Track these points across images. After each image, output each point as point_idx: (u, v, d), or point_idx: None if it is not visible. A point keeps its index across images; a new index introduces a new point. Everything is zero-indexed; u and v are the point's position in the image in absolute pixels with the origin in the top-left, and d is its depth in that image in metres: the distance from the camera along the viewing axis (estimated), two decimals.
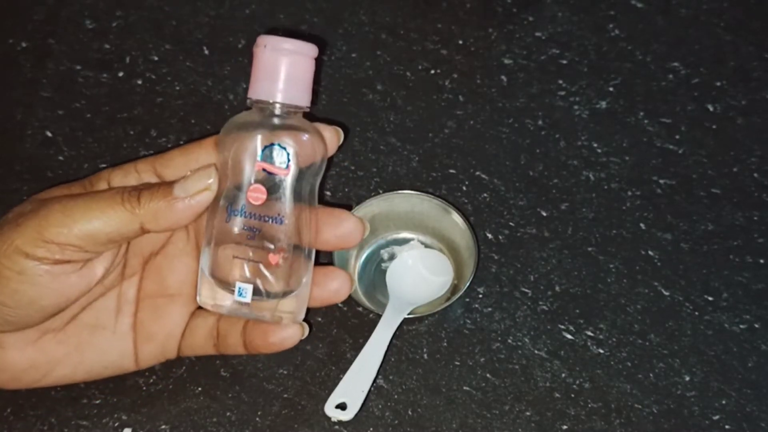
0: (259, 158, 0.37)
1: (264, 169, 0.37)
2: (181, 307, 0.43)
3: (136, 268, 0.43)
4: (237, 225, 0.38)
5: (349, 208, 0.52)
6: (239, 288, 0.38)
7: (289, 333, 0.41)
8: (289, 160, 0.37)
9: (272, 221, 0.38)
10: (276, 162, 0.37)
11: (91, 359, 0.42)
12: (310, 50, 0.38)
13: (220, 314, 0.42)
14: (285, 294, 0.39)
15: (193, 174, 0.38)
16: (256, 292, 0.38)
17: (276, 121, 0.38)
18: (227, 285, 0.38)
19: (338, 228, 0.41)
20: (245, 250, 0.38)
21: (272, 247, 0.38)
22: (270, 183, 0.38)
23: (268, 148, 0.37)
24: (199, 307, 0.43)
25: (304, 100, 0.38)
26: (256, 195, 0.37)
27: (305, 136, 0.38)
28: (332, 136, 0.40)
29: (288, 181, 0.38)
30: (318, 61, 0.39)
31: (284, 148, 0.37)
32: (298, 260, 0.39)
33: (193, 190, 0.37)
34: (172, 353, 0.44)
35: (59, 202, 0.37)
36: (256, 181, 0.38)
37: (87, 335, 0.42)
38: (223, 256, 0.38)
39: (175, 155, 0.41)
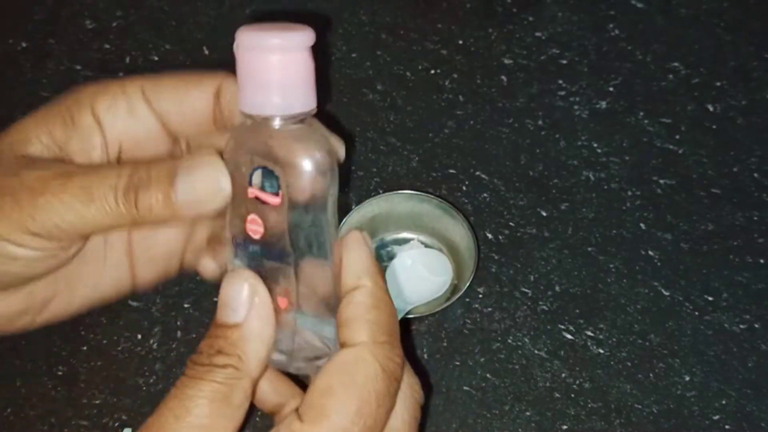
0: (248, 183, 0.30)
1: (257, 197, 0.30)
2: (173, 230, 0.39)
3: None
4: (243, 260, 0.31)
5: (349, 208, 0.52)
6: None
7: None
8: (279, 187, 0.29)
9: (274, 260, 0.30)
10: (266, 188, 0.29)
11: (83, 293, 0.38)
12: (302, 40, 0.29)
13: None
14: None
15: (202, 169, 0.32)
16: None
17: (271, 137, 0.29)
18: None
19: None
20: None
21: (277, 289, 0.31)
22: (266, 213, 0.30)
23: (255, 170, 0.30)
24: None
25: (306, 104, 0.30)
26: (254, 227, 0.30)
27: (303, 158, 0.29)
28: (340, 146, 0.33)
29: (283, 212, 0.29)
30: (317, 46, 0.30)
31: (272, 173, 0.29)
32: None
33: (199, 195, 0.32)
34: (173, 271, 0.39)
35: (44, 188, 0.33)
36: (252, 211, 0.30)
37: (75, 271, 0.38)
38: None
39: (167, 84, 0.35)
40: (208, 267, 0.38)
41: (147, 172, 0.32)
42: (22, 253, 0.33)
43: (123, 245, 0.38)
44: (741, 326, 0.49)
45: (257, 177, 0.30)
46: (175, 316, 0.48)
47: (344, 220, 0.49)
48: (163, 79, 0.35)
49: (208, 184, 0.31)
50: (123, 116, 0.35)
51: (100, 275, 0.39)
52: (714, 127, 0.58)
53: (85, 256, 0.38)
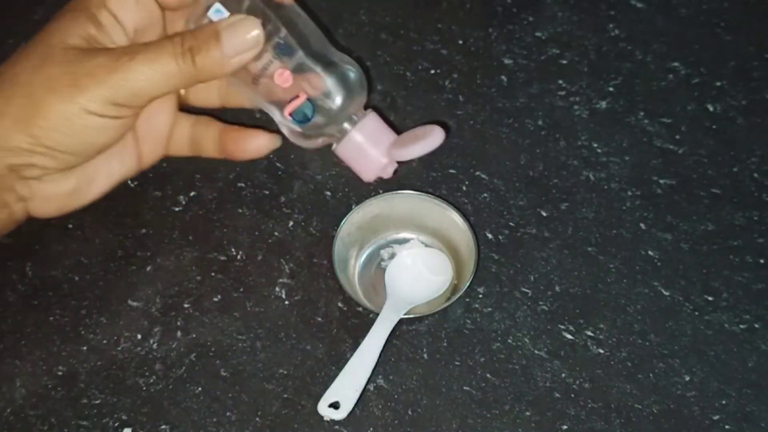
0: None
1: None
2: (165, 113, 0.49)
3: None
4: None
5: (349, 208, 0.52)
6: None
7: (261, 142, 0.48)
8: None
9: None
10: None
11: (115, 171, 0.48)
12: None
13: (193, 121, 0.50)
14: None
15: (240, 24, 0.41)
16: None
17: None
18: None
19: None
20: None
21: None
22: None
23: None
24: (180, 110, 0.50)
25: None
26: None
27: None
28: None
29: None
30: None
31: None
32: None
33: (242, 47, 0.41)
34: (162, 152, 0.50)
35: (116, 67, 0.40)
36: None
37: (110, 151, 0.46)
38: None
39: None
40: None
41: (195, 38, 0.41)
42: (101, 122, 0.41)
43: (131, 134, 0.47)
44: (741, 326, 0.49)
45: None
46: (175, 316, 0.49)
47: (344, 219, 0.49)
48: None
49: (247, 36, 0.41)
50: (132, 8, 0.43)
51: (123, 149, 0.47)
52: (714, 127, 0.58)
53: (111, 150, 0.46)
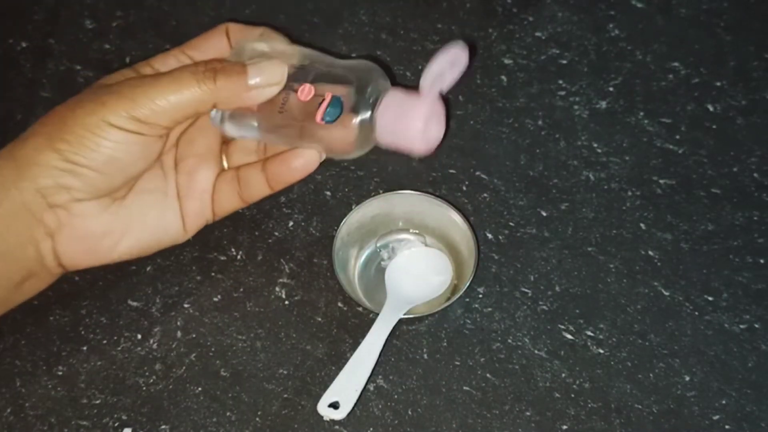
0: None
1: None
2: (208, 169, 0.48)
3: (173, 140, 0.48)
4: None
5: (349, 208, 0.52)
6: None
7: (309, 156, 0.46)
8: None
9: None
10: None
11: (151, 225, 0.47)
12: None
13: (239, 166, 0.48)
14: None
15: (267, 63, 0.43)
16: None
17: None
18: None
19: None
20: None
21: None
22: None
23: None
24: (223, 170, 0.49)
25: None
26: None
27: None
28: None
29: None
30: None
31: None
32: None
33: (266, 82, 0.43)
34: (209, 214, 0.49)
35: (140, 83, 0.42)
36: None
37: (146, 199, 0.46)
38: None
39: (199, 42, 0.47)
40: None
41: (222, 64, 0.43)
42: (123, 137, 0.42)
43: (174, 183, 0.47)
44: (741, 326, 0.49)
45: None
46: (175, 316, 0.49)
47: (344, 220, 0.49)
48: (195, 41, 0.47)
49: (272, 73, 0.43)
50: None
51: (163, 206, 0.47)
52: (714, 127, 0.58)
53: (151, 186, 0.47)
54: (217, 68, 0.42)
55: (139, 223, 0.46)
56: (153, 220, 0.47)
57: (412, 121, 0.43)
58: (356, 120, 0.43)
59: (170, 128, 0.43)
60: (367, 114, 0.44)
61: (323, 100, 0.43)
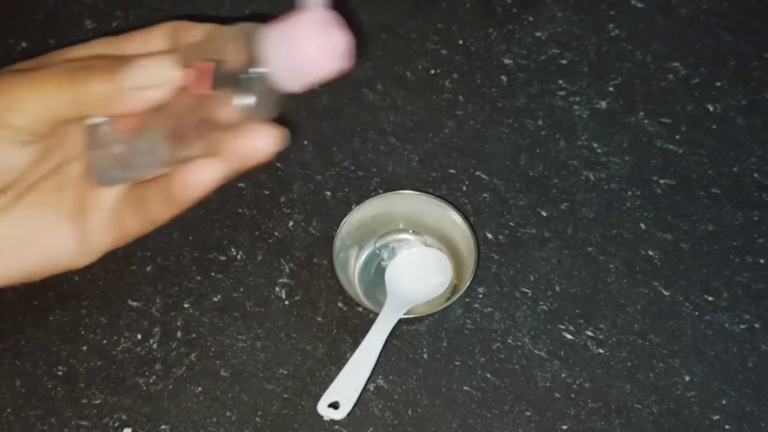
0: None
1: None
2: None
3: (79, 148, 0.39)
4: None
5: (349, 208, 0.52)
6: None
7: (212, 165, 0.36)
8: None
9: None
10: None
11: (36, 244, 0.39)
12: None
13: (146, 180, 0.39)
14: None
15: (150, 60, 0.35)
16: None
17: None
18: None
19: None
20: None
21: None
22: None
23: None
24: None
25: None
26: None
27: None
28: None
29: None
30: None
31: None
32: None
33: (147, 82, 0.34)
34: (115, 234, 0.40)
35: (9, 83, 0.35)
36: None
37: (32, 214, 0.38)
38: None
39: (135, 35, 0.40)
40: None
41: (101, 61, 0.36)
42: None
43: (71, 198, 0.39)
44: (741, 326, 0.49)
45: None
46: (175, 316, 0.48)
47: (344, 220, 0.49)
48: (132, 33, 0.41)
49: (156, 72, 0.34)
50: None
51: (52, 223, 0.39)
52: (714, 127, 0.58)
53: (40, 199, 0.38)
54: (93, 66, 0.35)
55: (15, 241, 0.38)
56: (39, 238, 0.38)
57: (302, 48, 0.36)
58: (243, 75, 0.37)
59: (42, 133, 0.36)
60: (254, 64, 0.37)
61: (207, 72, 0.36)
